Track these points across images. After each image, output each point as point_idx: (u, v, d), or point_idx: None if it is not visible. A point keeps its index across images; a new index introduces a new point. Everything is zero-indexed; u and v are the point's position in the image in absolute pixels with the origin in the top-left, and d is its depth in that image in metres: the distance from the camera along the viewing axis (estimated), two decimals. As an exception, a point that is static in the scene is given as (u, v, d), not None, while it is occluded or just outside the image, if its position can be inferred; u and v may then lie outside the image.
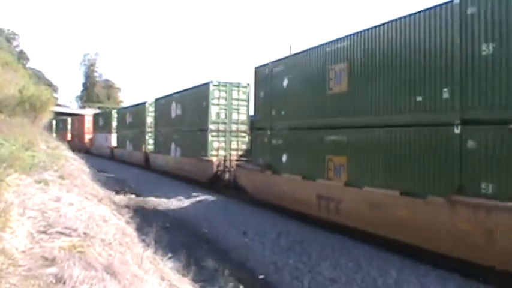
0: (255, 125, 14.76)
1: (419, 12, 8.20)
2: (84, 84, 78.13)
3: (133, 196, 17.85)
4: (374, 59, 9.33)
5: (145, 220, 9.59)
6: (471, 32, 7.19)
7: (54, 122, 44.49)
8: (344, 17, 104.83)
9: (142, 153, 26.20)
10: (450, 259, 7.42)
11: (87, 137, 39.69)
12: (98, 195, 10.12)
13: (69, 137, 42.61)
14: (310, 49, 11.59)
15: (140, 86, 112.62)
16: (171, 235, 10.27)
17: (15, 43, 65.94)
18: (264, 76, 13.89)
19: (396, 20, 8.78)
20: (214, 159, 17.43)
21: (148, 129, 25.84)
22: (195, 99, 19.23)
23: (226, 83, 18.30)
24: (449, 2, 7.58)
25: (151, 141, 25.54)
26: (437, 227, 7.57)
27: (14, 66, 40.60)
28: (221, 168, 17.09)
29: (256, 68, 14.43)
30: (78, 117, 45.32)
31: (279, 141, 12.94)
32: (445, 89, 7.64)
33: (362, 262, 8.64)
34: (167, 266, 6.39)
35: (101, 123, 36.77)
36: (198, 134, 18.64)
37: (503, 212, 6.57)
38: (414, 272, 7.83)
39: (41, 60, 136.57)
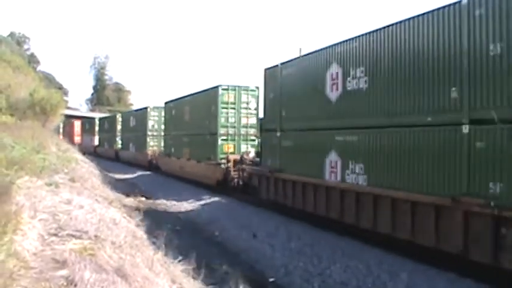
0: (165, 132, 27.73)
1: (202, 91, 21.15)
2: (94, 87, 78.38)
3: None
4: (195, 107, 22.15)
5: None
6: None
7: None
8: (354, 17, 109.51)
9: (114, 150, 38.87)
10: (461, 262, 7.72)
11: (76, 138, 50.21)
12: (108, 197, 10.35)
13: (60, 137, 53.22)
14: (180, 98, 24.52)
15: (150, 88, 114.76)
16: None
17: (26, 46, 67.03)
18: (167, 107, 26.85)
19: (198, 92, 21.74)
20: (149, 152, 30.12)
21: (118, 134, 38.49)
22: (141, 116, 31.99)
23: (159, 107, 30.94)
24: (215, 88, 20.33)
25: (120, 142, 38.24)
26: (203, 173, 20.17)
27: (25, 70, 41.88)
28: (153, 157, 29.75)
29: (165, 103, 27.34)
30: (69, 122, 56.43)
31: (171, 141, 25.79)
32: (207, 121, 20.28)
33: (372, 265, 8.72)
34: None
35: (87, 127, 49.36)
36: (142, 137, 31.34)
37: (206, 164, 19.21)
38: (424, 275, 7.92)
39: (52, 64, 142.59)
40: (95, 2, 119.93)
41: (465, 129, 7.80)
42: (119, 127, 38.38)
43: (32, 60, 63.20)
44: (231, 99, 19.18)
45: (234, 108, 19.23)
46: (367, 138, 10.25)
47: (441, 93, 8.34)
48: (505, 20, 7.21)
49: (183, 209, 16.97)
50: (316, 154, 11.96)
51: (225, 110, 19.13)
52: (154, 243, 7.44)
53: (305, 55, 13.07)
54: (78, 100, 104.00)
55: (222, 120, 19.09)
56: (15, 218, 4.55)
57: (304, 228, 12.11)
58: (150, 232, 8.04)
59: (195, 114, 21.97)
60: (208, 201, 17.45)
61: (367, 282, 8.18)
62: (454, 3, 8.13)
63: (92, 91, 78.58)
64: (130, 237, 6.43)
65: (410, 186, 8.84)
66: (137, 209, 11.37)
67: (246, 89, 19.36)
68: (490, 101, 7.45)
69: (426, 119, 8.61)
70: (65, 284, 3.69)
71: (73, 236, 4.95)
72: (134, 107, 59.75)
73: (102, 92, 76.31)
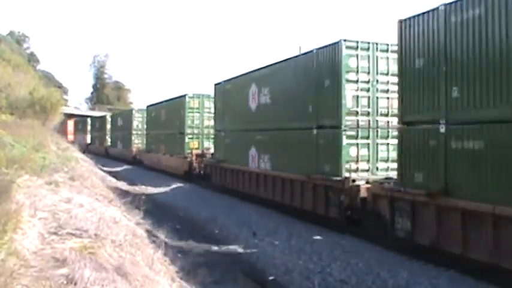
0: (146, 131, 32.32)
1: (172, 98, 25.75)
2: (94, 86, 77.79)
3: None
4: (169, 111, 26.73)
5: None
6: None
7: None
8: (353, 14, 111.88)
9: (104, 147, 43.42)
10: (462, 260, 7.84)
11: (70, 137, 53.18)
12: (108, 196, 10.37)
13: None
14: (158, 103, 29.08)
15: (150, 87, 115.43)
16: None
17: (25, 45, 66.91)
18: (149, 110, 31.40)
19: (153, 104, 26.32)
20: (134, 149, 34.69)
21: (107, 132, 43.03)
22: (127, 117, 36.57)
23: (142, 109, 35.44)
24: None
25: (109, 140, 42.79)
26: (174, 165, 24.77)
27: (25, 68, 41.66)
28: (137, 153, 34.32)
29: (147, 107, 31.89)
30: (63, 122, 60.37)
31: (151, 139, 30.41)
32: (177, 122, 24.88)
33: (373, 264, 8.82)
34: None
35: (80, 126, 53.85)
36: (128, 136, 35.92)
37: (176, 158, 23.83)
38: (425, 273, 8.03)
39: (51, 62, 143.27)
40: (94, 0, 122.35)
41: (314, 131, 12.41)
42: (108, 126, 42.88)
43: (32, 59, 63.23)
44: (196, 105, 23.76)
45: (198, 113, 23.79)
46: (271, 137, 14.87)
47: (305, 109, 12.93)
48: (331, 65, 11.83)
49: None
50: (244, 148, 16.56)
51: (191, 114, 23.70)
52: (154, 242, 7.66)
53: (238, 76, 17.66)
54: (78, 99, 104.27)
55: (189, 122, 23.65)
56: (15, 216, 4.52)
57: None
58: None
59: (169, 117, 26.54)
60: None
61: (367, 280, 8.19)
62: (311, 51, 12.73)
63: (91, 90, 78.92)
64: (131, 235, 6.44)
65: (289, 169, 13.46)
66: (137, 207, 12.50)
67: (208, 96, 23.85)
68: (326, 114, 12.07)
69: (296, 125, 13.22)
70: (65, 282, 3.71)
71: (73, 234, 4.97)
72: (134, 106, 60.45)
73: (102, 91, 76.21)
